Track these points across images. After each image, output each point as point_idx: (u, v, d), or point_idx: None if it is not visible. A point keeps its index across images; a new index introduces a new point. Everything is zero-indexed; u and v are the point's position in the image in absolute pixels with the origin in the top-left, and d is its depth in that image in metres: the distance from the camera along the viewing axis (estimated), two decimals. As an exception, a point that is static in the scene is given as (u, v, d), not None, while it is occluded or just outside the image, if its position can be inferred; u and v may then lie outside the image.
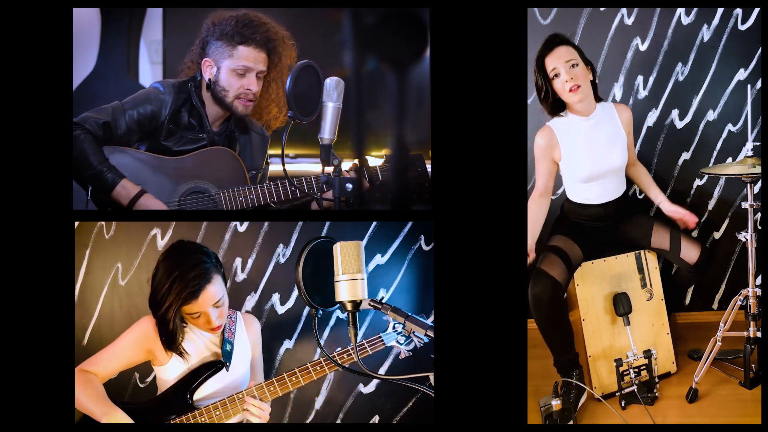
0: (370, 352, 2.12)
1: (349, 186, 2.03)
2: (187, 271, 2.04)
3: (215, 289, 2.08)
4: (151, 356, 2.17)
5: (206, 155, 2.39)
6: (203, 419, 2.09)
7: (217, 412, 2.09)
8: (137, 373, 2.48)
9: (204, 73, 2.40)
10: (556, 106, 2.49)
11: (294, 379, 2.10)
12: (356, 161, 2.24)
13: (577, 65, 2.42)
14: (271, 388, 2.10)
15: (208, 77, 2.39)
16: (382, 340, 2.12)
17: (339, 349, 2.12)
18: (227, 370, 2.16)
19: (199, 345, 2.18)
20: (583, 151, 2.51)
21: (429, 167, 2.28)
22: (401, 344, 2.08)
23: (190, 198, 2.34)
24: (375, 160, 2.47)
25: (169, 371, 2.16)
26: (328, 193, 2.23)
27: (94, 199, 2.26)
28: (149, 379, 2.48)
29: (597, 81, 2.54)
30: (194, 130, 2.40)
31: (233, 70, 2.36)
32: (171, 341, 2.10)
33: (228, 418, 2.09)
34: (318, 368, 2.10)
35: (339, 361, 2.09)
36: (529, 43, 2.92)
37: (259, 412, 2.08)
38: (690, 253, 2.59)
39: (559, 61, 2.40)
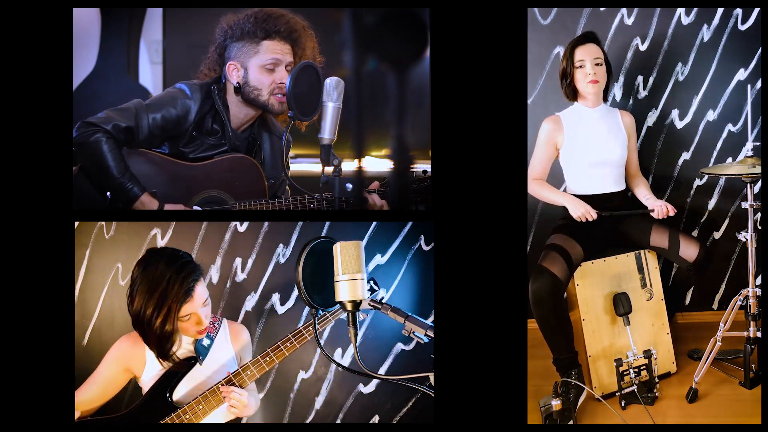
0: (332, 321, 2.18)
1: (349, 186, 2.04)
2: (177, 271, 2.04)
3: (203, 287, 2.11)
4: (129, 374, 2.18)
5: (225, 163, 2.32)
6: (187, 417, 2.08)
7: (200, 407, 2.09)
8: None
9: (231, 77, 2.32)
10: (571, 91, 2.69)
11: (268, 359, 2.13)
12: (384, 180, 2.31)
13: (601, 65, 2.64)
14: (248, 372, 2.12)
15: (236, 81, 2.31)
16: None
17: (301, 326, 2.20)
18: (200, 365, 2.15)
19: (183, 349, 2.18)
20: (585, 136, 2.66)
21: (420, 167, 2.30)
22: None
23: (205, 208, 2.29)
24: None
25: (147, 376, 2.16)
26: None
27: (112, 206, 2.20)
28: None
29: (610, 84, 2.77)
30: (216, 135, 2.33)
31: (262, 67, 2.29)
32: (165, 352, 2.08)
33: (212, 410, 2.09)
34: (288, 344, 2.14)
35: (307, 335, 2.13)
36: (529, 43, 2.93)
37: (237, 401, 2.07)
38: (689, 251, 2.59)
39: (587, 55, 2.62)
